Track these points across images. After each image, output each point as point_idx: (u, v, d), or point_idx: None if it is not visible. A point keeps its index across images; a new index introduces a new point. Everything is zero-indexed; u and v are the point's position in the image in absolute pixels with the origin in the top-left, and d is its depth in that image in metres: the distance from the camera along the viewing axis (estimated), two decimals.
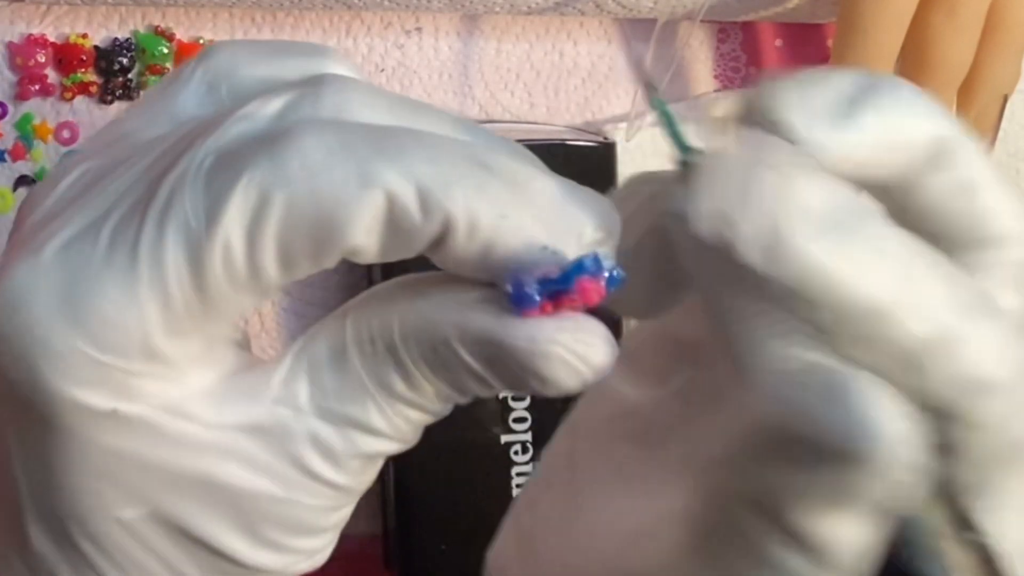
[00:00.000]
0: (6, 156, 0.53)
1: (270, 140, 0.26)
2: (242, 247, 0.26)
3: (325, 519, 0.29)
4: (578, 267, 0.26)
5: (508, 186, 0.27)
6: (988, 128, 0.52)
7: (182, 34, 0.53)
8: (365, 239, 0.26)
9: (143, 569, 0.28)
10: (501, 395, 0.47)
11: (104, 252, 0.26)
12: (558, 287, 0.26)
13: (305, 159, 0.25)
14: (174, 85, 0.29)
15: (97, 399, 0.26)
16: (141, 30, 0.52)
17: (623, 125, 0.53)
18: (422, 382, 0.27)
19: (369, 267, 0.51)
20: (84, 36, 0.52)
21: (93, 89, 0.52)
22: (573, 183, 0.28)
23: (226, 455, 0.27)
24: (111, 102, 0.52)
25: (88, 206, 0.27)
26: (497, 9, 0.51)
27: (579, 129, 0.55)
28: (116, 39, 0.52)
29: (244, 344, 0.29)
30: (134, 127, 0.29)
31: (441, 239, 0.26)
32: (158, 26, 0.52)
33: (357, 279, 0.54)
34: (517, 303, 0.26)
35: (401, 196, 0.25)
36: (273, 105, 0.27)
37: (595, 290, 0.26)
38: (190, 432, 0.27)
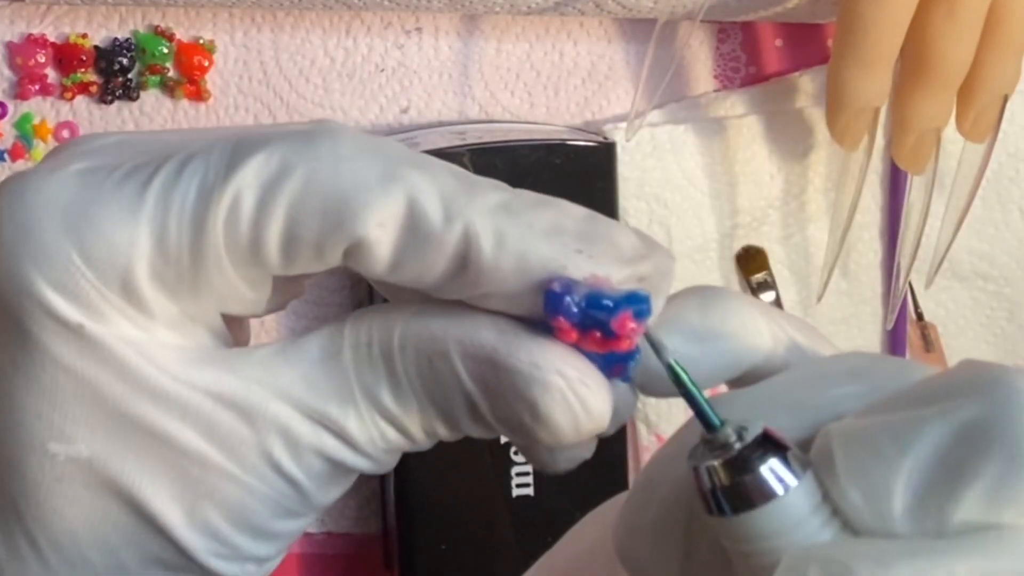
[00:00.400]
0: (6, 156, 0.53)
1: (305, 126, 0.26)
2: (251, 208, 0.25)
3: (272, 519, 0.27)
4: (630, 298, 0.25)
5: (535, 202, 0.26)
6: (988, 128, 0.52)
7: (182, 34, 0.53)
8: (376, 233, 0.25)
9: (62, 518, 0.26)
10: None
11: (119, 179, 0.26)
12: (601, 314, 0.25)
13: (335, 146, 0.26)
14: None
15: (68, 309, 0.26)
16: (141, 30, 0.52)
17: (623, 125, 0.53)
18: (410, 397, 0.27)
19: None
20: (84, 36, 0.52)
21: (93, 89, 0.52)
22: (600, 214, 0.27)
23: (185, 414, 0.26)
24: (111, 102, 0.52)
25: (117, 154, 0.27)
26: (497, 9, 0.51)
27: (579, 129, 0.55)
28: (116, 39, 0.52)
29: (225, 336, 0.28)
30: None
31: (464, 258, 0.25)
32: (158, 26, 0.52)
33: (360, 278, 0.54)
34: (554, 309, 0.25)
35: (423, 198, 0.25)
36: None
37: (634, 331, 0.25)
38: (153, 377, 0.26)
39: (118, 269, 0.26)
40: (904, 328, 0.58)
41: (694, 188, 0.54)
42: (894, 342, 0.58)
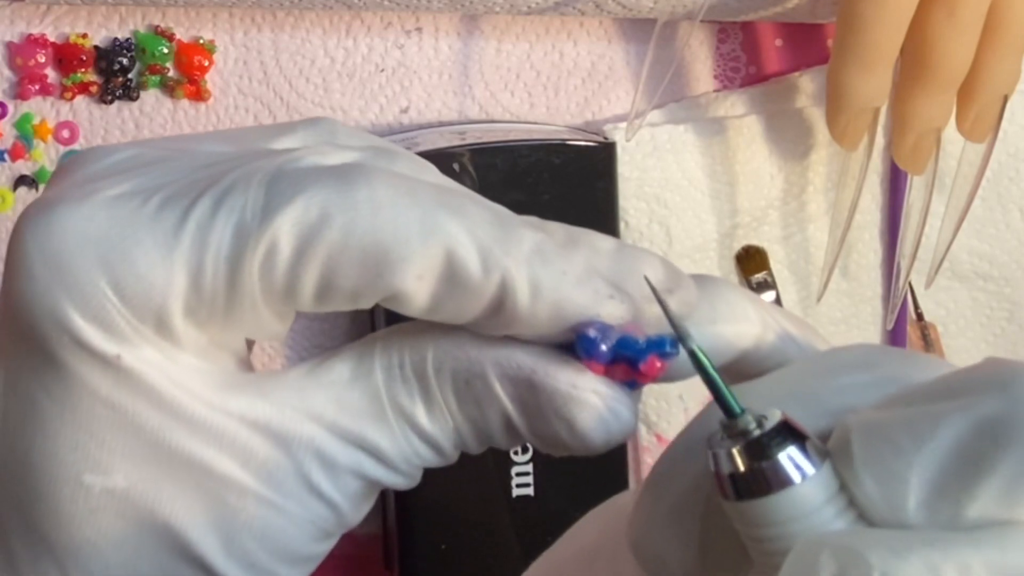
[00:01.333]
0: (6, 156, 0.53)
1: (341, 169, 0.26)
2: (288, 254, 0.25)
3: (309, 543, 0.28)
4: (659, 343, 0.26)
5: (566, 241, 0.27)
6: (988, 128, 0.52)
7: (182, 34, 0.53)
8: (415, 285, 0.26)
9: (95, 549, 0.26)
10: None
11: (153, 212, 0.26)
12: (630, 355, 0.26)
13: (373, 192, 0.25)
14: (272, 133, 0.29)
15: (104, 341, 0.26)
16: (141, 30, 0.52)
17: (623, 125, 0.53)
18: (445, 415, 0.27)
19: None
20: (84, 36, 0.52)
21: (93, 89, 0.52)
22: (627, 243, 0.28)
23: (221, 441, 0.26)
24: (111, 102, 0.52)
25: (143, 175, 0.27)
26: (497, 9, 0.51)
27: (579, 129, 0.55)
28: (116, 39, 0.52)
29: (248, 361, 0.29)
30: (209, 151, 0.29)
31: (499, 303, 0.26)
32: (158, 26, 0.52)
33: None
34: (588, 352, 0.26)
35: (461, 250, 0.25)
36: (350, 154, 0.27)
37: (661, 369, 0.26)
38: (188, 406, 0.26)
39: (153, 306, 0.25)
40: (904, 328, 0.58)
41: (694, 188, 0.54)
42: (894, 342, 0.58)
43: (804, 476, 0.23)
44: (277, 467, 0.27)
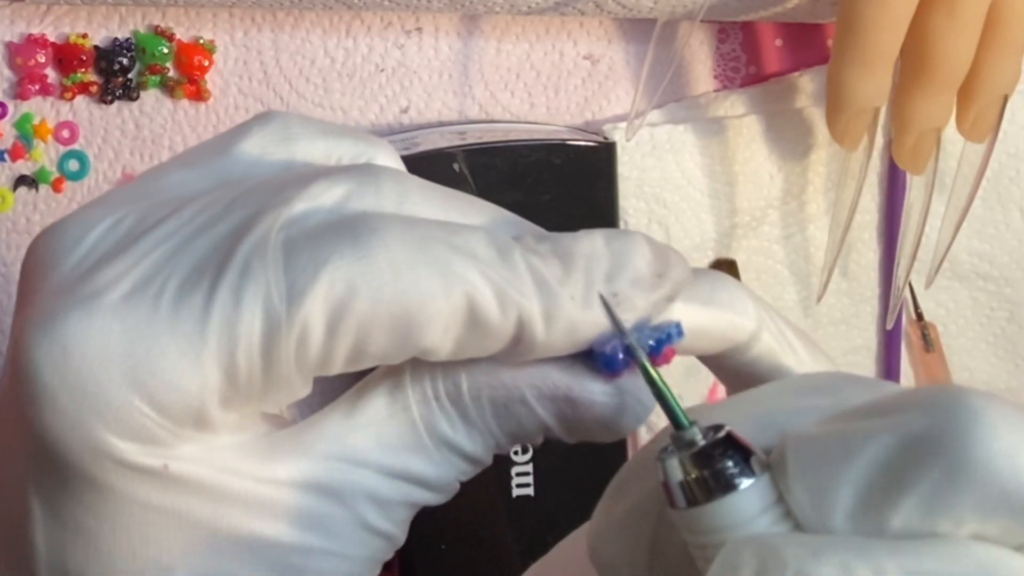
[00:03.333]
0: (6, 156, 0.53)
1: (349, 229, 0.26)
2: (321, 335, 0.25)
3: (368, 573, 0.28)
4: (669, 334, 0.28)
5: (563, 263, 0.27)
6: (988, 128, 0.52)
7: (182, 34, 0.53)
8: (441, 338, 0.26)
9: None
10: None
11: (169, 311, 0.25)
12: (648, 354, 0.27)
13: (390, 254, 0.25)
14: (225, 144, 0.29)
15: (148, 456, 0.25)
16: (141, 30, 0.52)
17: (623, 125, 0.53)
18: (486, 436, 0.28)
19: None
20: (84, 36, 0.52)
21: (93, 89, 0.52)
22: (616, 230, 0.28)
23: (276, 512, 0.26)
24: (111, 102, 0.52)
25: (136, 258, 0.26)
26: (497, 9, 0.51)
27: (579, 129, 0.55)
28: (116, 39, 0.52)
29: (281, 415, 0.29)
30: (174, 182, 0.28)
31: (517, 339, 0.26)
32: (158, 26, 0.52)
33: None
34: (609, 367, 0.27)
35: (480, 296, 0.26)
36: (337, 190, 0.27)
37: (674, 354, 0.28)
38: (237, 487, 0.26)
39: (191, 411, 0.25)
40: (903, 328, 0.58)
41: (693, 188, 0.54)
42: (894, 342, 0.58)
43: (744, 485, 0.24)
44: (334, 520, 0.27)
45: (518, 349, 0.27)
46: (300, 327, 0.25)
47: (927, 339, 0.58)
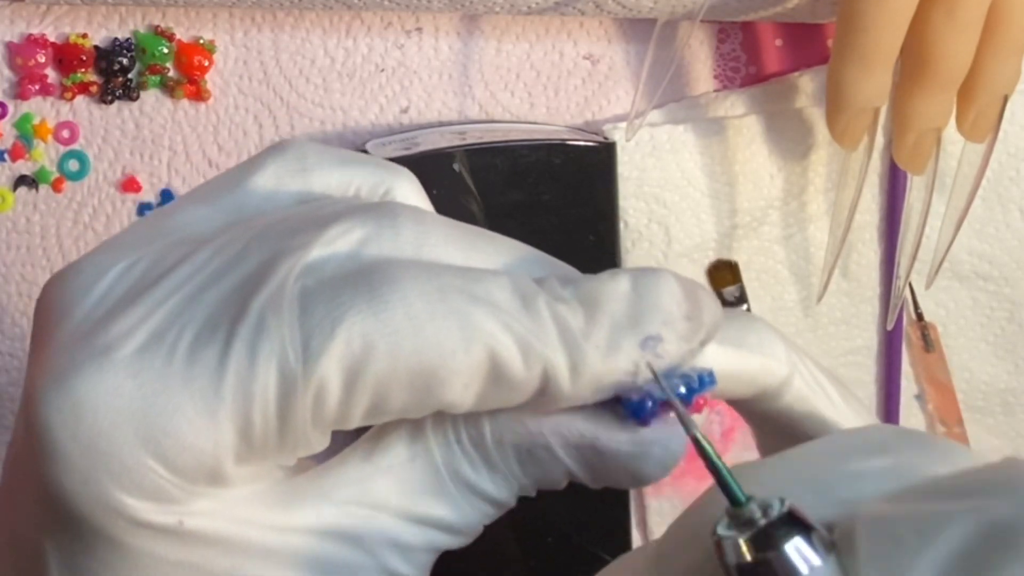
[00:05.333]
0: (6, 156, 0.53)
1: (366, 280, 0.25)
2: (338, 393, 0.25)
3: None
4: (701, 382, 0.27)
5: (588, 310, 0.26)
6: (988, 128, 0.52)
7: (182, 34, 0.53)
8: (462, 394, 0.25)
9: None
10: None
11: (183, 367, 0.24)
12: (676, 400, 0.27)
13: (409, 308, 0.25)
14: (239, 177, 0.28)
15: (161, 514, 0.25)
16: (141, 30, 0.52)
17: (623, 125, 0.53)
18: (510, 479, 0.27)
19: None
20: (84, 36, 0.52)
21: (93, 89, 0.52)
22: (644, 269, 0.27)
23: (297, 561, 0.26)
24: (111, 102, 0.52)
25: (149, 309, 0.25)
26: (497, 9, 0.51)
27: (579, 129, 0.55)
28: (116, 39, 0.52)
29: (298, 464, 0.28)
30: (188, 219, 0.27)
31: (542, 390, 0.26)
32: (158, 26, 0.52)
33: None
34: (637, 416, 0.27)
35: (502, 349, 0.25)
36: (354, 235, 0.26)
37: (705, 403, 0.27)
38: (257, 539, 0.26)
39: (205, 469, 0.25)
40: (903, 328, 0.58)
41: (694, 188, 0.54)
42: (894, 342, 0.58)
43: (810, 568, 0.22)
44: (357, 567, 0.26)
45: (543, 400, 0.26)
46: (316, 386, 0.24)
47: (927, 339, 0.58)
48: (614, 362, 0.26)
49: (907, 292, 0.57)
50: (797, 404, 0.30)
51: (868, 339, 0.58)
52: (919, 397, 0.59)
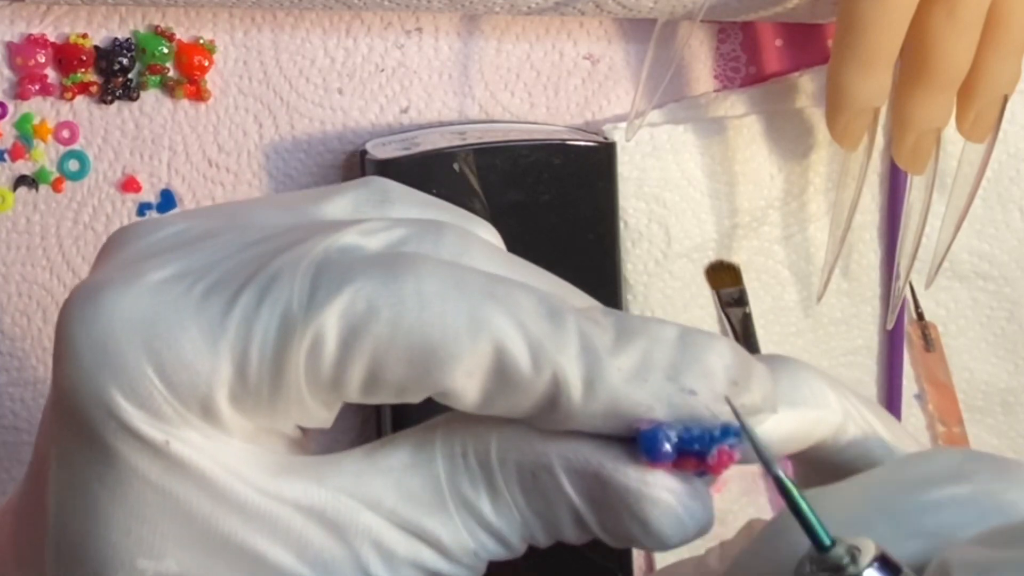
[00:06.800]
0: (6, 156, 0.53)
1: (387, 260, 0.25)
2: (334, 348, 0.25)
3: None
4: (724, 433, 0.25)
5: (622, 332, 0.25)
6: (988, 128, 0.52)
7: (182, 34, 0.53)
8: (464, 382, 0.25)
9: None
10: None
11: (198, 298, 0.25)
12: (697, 450, 0.25)
13: (420, 285, 0.25)
14: (321, 195, 0.29)
15: (151, 427, 0.25)
16: (141, 30, 0.52)
17: (623, 125, 0.53)
18: (512, 508, 0.26)
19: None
20: (84, 36, 0.52)
21: (93, 89, 0.52)
22: (699, 329, 0.26)
23: (275, 530, 0.26)
24: (111, 102, 0.52)
25: (189, 256, 0.26)
26: (497, 9, 0.51)
27: (579, 129, 0.55)
28: (116, 39, 0.52)
29: (301, 442, 0.28)
30: (260, 215, 0.28)
31: (553, 400, 0.25)
32: (158, 26, 0.52)
33: None
34: (650, 453, 0.25)
35: (511, 345, 0.25)
36: (396, 232, 0.26)
37: (729, 459, 0.25)
38: (240, 493, 0.26)
39: (198, 394, 0.25)
40: (903, 328, 0.58)
41: (693, 188, 0.54)
42: (894, 342, 0.58)
43: None
44: (333, 557, 0.26)
45: (554, 415, 0.25)
46: (313, 335, 0.25)
47: (927, 339, 0.58)
48: (635, 391, 0.25)
49: (907, 292, 0.57)
50: (850, 446, 0.29)
51: (868, 339, 0.58)
52: (919, 397, 0.59)
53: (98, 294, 0.26)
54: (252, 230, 0.27)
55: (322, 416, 0.27)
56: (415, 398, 0.26)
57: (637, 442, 0.25)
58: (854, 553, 0.22)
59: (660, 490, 0.25)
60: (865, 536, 0.23)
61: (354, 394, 0.26)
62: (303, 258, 0.25)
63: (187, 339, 0.25)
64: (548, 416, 0.26)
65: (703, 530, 0.26)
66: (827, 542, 0.23)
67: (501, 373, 0.25)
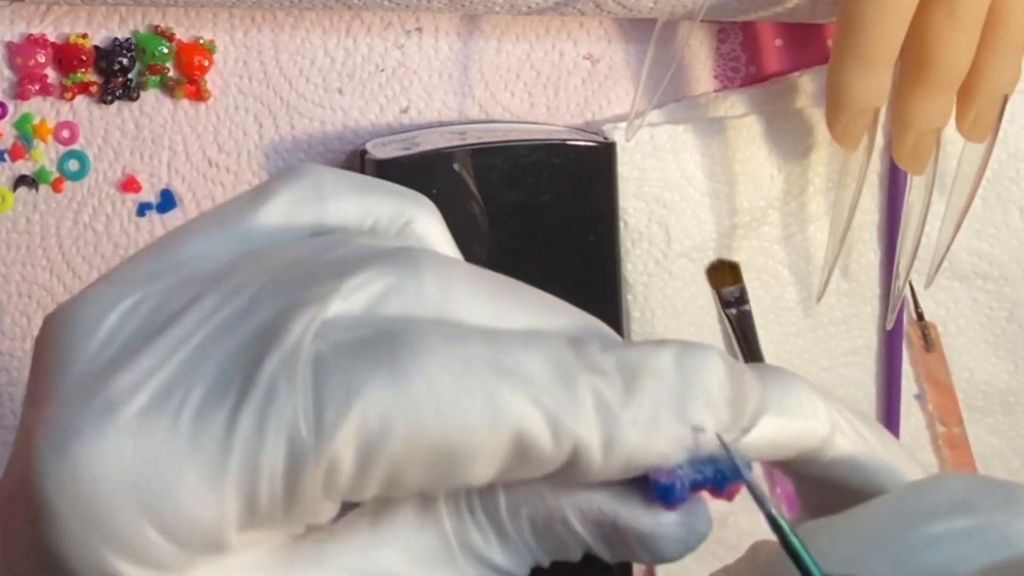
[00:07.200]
0: (6, 156, 0.53)
1: (386, 348, 0.24)
2: (351, 470, 0.23)
3: None
4: (735, 475, 0.26)
5: (628, 383, 0.25)
6: (988, 128, 0.52)
7: (182, 34, 0.53)
8: (483, 471, 0.24)
9: None
10: None
11: (188, 433, 0.23)
12: (711, 485, 0.26)
13: (430, 383, 0.23)
14: (252, 205, 0.27)
15: None
16: (141, 30, 0.52)
17: (623, 125, 0.53)
18: (523, 552, 0.26)
19: None
20: (84, 36, 0.52)
21: (93, 89, 0.52)
22: (686, 342, 0.26)
23: None
24: (111, 102, 0.52)
25: (161, 360, 0.24)
26: (497, 9, 0.51)
27: (579, 129, 0.55)
28: (116, 39, 0.52)
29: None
30: (196, 251, 0.26)
31: (572, 465, 0.25)
32: (158, 26, 0.52)
33: None
34: (666, 500, 0.26)
35: (532, 427, 0.24)
36: (375, 287, 0.24)
37: (738, 490, 0.26)
38: None
39: (207, 540, 0.24)
40: (903, 328, 0.58)
41: (693, 188, 0.54)
42: (894, 342, 0.58)
43: None
44: None
45: (570, 475, 0.25)
46: (328, 463, 0.23)
47: (927, 339, 0.58)
48: (652, 442, 0.25)
49: (907, 292, 0.57)
50: (839, 460, 0.29)
51: (868, 339, 0.58)
52: (919, 397, 0.59)
53: (71, 449, 0.23)
54: (202, 286, 0.25)
55: (331, 514, 0.26)
56: (437, 494, 0.25)
57: (651, 488, 0.26)
58: None
59: (671, 527, 0.26)
60: (863, 574, 0.23)
61: (370, 498, 0.25)
62: (295, 358, 0.23)
63: (186, 490, 0.23)
64: (563, 476, 0.25)
65: (704, 539, 0.27)
66: None
67: (522, 455, 0.24)
